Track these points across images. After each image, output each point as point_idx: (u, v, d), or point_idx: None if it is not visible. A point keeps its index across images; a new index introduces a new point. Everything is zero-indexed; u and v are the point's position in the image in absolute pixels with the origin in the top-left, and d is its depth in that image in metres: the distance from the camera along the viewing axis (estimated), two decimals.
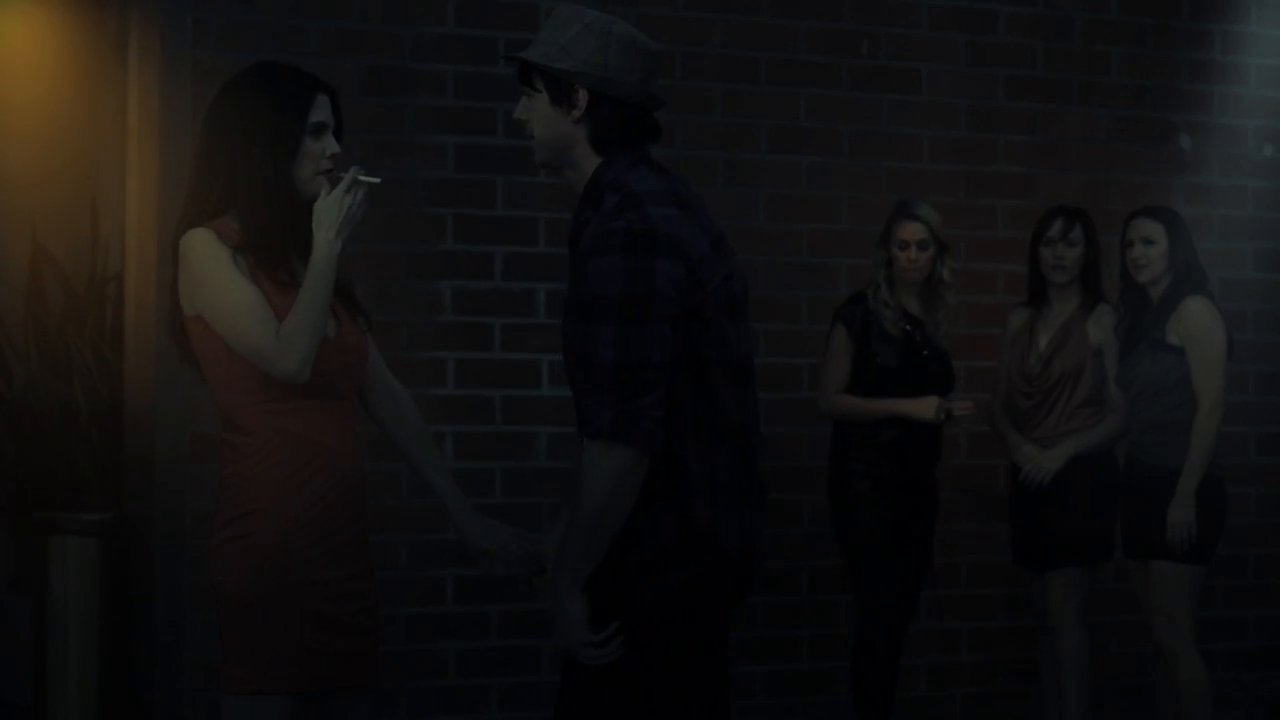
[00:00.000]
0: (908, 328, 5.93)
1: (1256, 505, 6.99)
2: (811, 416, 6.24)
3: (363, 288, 4.01)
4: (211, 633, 5.54)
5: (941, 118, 6.62)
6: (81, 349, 6.48)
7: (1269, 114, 7.07)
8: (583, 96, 3.58)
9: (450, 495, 3.93)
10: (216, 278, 3.65)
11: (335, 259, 3.64)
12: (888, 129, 6.55)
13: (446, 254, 6.01)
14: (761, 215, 6.35)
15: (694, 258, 3.52)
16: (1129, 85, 6.89)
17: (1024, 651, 6.36)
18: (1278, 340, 7.07)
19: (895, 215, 5.96)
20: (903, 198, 6.11)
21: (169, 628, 5.65)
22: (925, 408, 5.84)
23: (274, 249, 3.70)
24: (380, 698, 5.84)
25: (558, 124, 3.61)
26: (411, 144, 5.96)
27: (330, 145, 3.74)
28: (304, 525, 3.67)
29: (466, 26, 6.04)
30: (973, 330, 6.49)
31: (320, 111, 3.74)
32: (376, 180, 3.66)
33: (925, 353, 5.95)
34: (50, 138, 6.72)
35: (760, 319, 6.31)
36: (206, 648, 5.58)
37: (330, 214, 3.65)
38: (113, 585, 5.84)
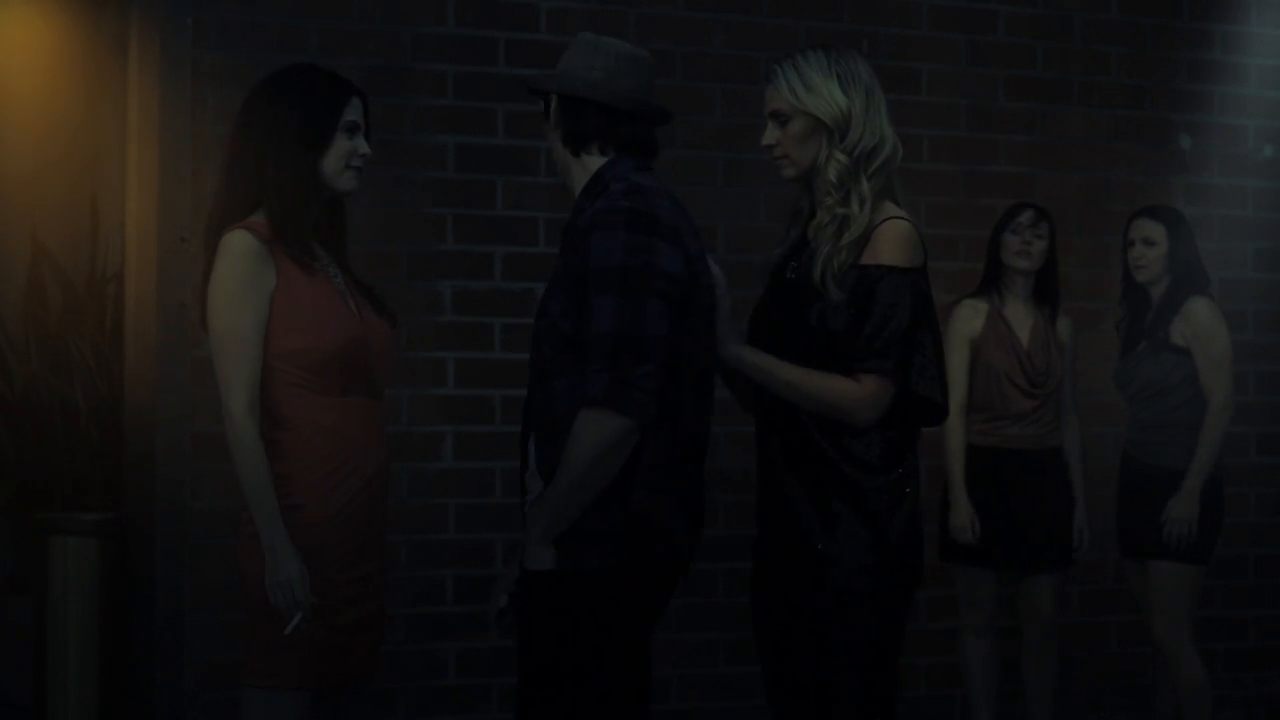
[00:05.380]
0: (790, 262, 3.88)
1: (1256, 505, 6.99)
2: None
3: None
4: (212, 632, 5.58)
5: (941, 118, 6.61)
6: (81, 348, 6.48)
7: (1269, 114, 7.07)
8: (554, 102, 3.76)
9: None
10: (229, 293, 3.68)
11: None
12: None
13: (446, 254, 6.01)
14: (761, 215, 6.34)
15: (691, 251, 3.66)
16: (1129, 85, 6.89)
17: (1021, 651, 6.36)
18: (1278, 340, 7.07)
19: None
20: None
21: (169, 628, 5.65)
22: None
23: (298, 234, 3.73)
24: (379, 696, 5.85)
25: (551, 137, 3.82)
26: (411, 144, 5.96)
27: (362, 145, 3.82)
28: (336, 524, 3.70)
29: (466, 26, 6.04)
30: None
31: (354, 112, 3.83)
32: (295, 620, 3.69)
33: (798, 305, 3.77)
34: (50, 137, 6.73)
35: None
36: (206, 648, 5.59)
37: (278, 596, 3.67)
38: (113, 585, 5.83)
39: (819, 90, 3.73)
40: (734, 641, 6.21)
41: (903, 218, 3.73)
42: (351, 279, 3.90)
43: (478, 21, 6.05)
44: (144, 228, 5.88)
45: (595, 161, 3.76)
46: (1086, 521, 5.98)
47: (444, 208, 6.01)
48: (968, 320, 5.96)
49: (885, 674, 3.71)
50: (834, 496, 3.68)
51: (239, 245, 3.68)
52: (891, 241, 3.69)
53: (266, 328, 3.69)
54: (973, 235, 6.51)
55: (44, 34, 6.76)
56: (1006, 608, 6.13)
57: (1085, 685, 6.71)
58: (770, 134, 3.80)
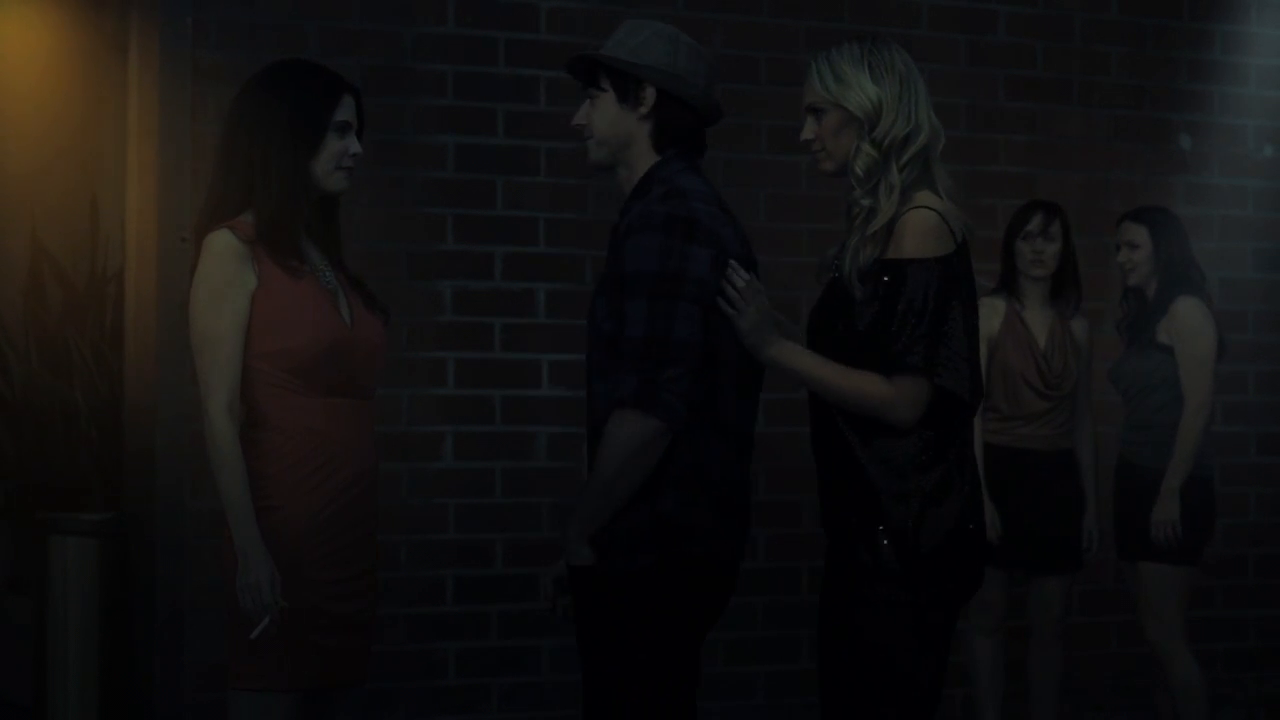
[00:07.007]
0: (835, 263, 3.77)
1: (1256, 505, 6.99)
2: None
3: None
4: (212, 632, 5.57)
5: (941, 118, 6.53)
6: (81, 347, 6.48)
7: (1269, 114, 7.07)
8: (650, 94, 3.77)
9: None
10: (208, 293, 3.67)
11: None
12: None
13: (446, 254, 6.01)
14: (762, 215, 6.35)
15: (730, 253, 3.67)
16: (1129, 85, 6.89)
17: (1024, 652, 6.36)
18: (1278, 340, 7.07)
19: None
20: None
21: (169, 628, 5.65)
22: None
23: (287, 238, 3.72)
24: (379, 696, 5.85)
25: (622, 121, 3.78)
26: (411, 144, 5.96)
27: (353, 145, 3.80)
28: (318, 525, 3.69)
29: (466, 26, 6.05)
30: None
31: (345, 110, 3.79)
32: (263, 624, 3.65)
33: (829, 309, 3.74)
34: (50, 136, 6.73)
35: None
36: (206, 648, 5.59)
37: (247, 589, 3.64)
38: (113, 585, 5.84)
39: (850, 81, 3.69)
40: (734, 641, 6.21)
41: (927, 206, 3.61)
42: (346, 277, 3.88)
43: (478, 21, 6.06)
44: (144, 228, 5.88)
45: (651, 158, 3.77)
46: (1097, 523, 5.97)
47: (444, 208, 6.01)
48: (985, 319, 5.89)
49: (919, 684, 3.59)
50: (863, 500, 3.59)
51: (220, 245, 3.68)
52: (913, 232, 3.57)
53: (247, 329, 3.68)
54: (973, 235, 6.50)
55: (44, 34, 6.76)
56: (1015, 608, 6.12)
57: (1085, 685, 6.71)
58: (808, 129, 3.74)
